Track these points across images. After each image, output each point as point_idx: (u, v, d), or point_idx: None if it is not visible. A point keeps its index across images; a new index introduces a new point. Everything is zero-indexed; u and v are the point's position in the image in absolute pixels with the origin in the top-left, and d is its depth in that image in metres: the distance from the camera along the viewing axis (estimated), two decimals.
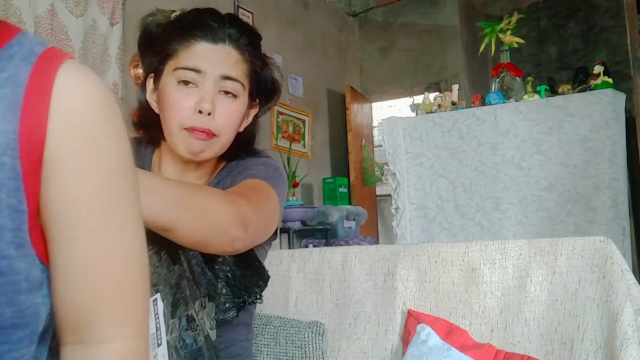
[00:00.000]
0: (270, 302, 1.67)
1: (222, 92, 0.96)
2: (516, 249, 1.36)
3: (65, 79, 0.46)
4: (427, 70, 5.72)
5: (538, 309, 1.30)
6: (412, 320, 1.40)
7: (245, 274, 0.92)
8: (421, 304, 1.44)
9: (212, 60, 0.95)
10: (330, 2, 5.83)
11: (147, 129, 1.05)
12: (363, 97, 5.91)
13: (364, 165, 5.57)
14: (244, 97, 1.00)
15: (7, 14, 2.30)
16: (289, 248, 4.18)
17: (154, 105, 1.01)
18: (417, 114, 2.87)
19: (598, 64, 2.57)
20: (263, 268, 0.96)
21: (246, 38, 1.00)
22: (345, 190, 5.10)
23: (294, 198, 4.44)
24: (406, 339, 1.38)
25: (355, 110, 5.61)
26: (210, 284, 0.90)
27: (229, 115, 0.97)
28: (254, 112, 1.07)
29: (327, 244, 4.39)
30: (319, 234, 4.61)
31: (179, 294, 0.86)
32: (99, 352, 0.49)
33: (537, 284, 1.31)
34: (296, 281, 1.65)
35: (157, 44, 1.00)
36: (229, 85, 0.96)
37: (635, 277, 1.23)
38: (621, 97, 2.38)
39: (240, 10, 4.45)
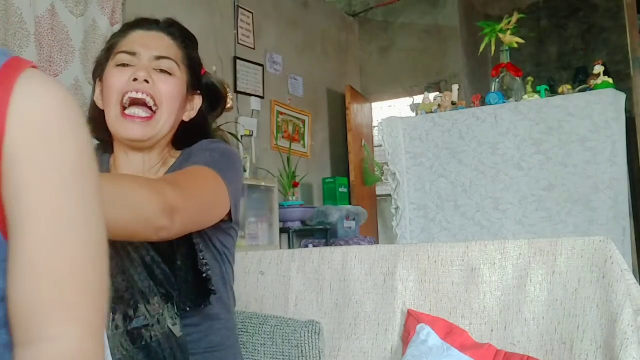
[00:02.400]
0: (270, 302, 1.67)
1: (158, 70, 1.01)
2: (516, 249, 1.36)
3: (24, 84, 0.49)
4: (427, 70, 5.72)
5: (538, 309, 1.30)
6: (412, 320, 1.40)
7: (195, 282, 0.93)
8: (421, 304, 1.44)
9: (145, 43, 1.02)
10: (330, 2, 5.83)
11: (97, 132, 1.08)
12: (363, 97, 5.91)
13: (364, 165, 5.57)
14: (181, 77, 1.04)
15: (8, 14, 2.30)
16: (289, 248, 4.18)
17: (100, 104, 1.05)
18: (417, 114, 2.87)
19: (598, 64, 2.57)
20: (209, 280, 0.95)
21: (178, 29, 1.09)
22: (345, 190, 5.10)
23: (294, 198, 4.44)
24: (406, 339, 1.38)
25: (355, 110, 5.61)
26: (168, 282, 0.90)
27: (168, 89, 1.01)
28: (197, 104, 1.10)
29: (327, 244, 4.39)
30: (319, 234, 4.61)
31: (123, 291, 0.86)
32: (38, 352, 0.47)
33: (537, 284, 1.31)
34: (296, 281, 1.65)
35: (101, 54, 1.09)
36: (164, 64, 1.02)
37: (635, 277, 1.23)
38: (621, 97, 2.38)
39: (240, 10, 4.45)
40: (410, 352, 1.31)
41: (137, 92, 0.98)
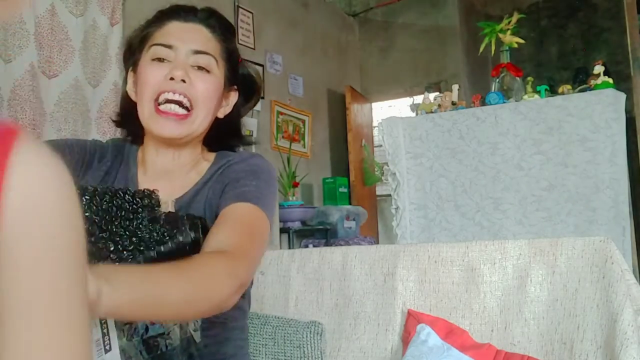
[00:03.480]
0: (270, 302, 1.67)
1: (195, 67, 0.97)
2: (516, 249, 1.36)
3: (19, 161, 0.42)
4: (427, 70, 5.72)
5: (538, 309, 1.30)
6: (412, 320, 1.40)
7: None
8: (421, 304, 1.44)
9: (183, 36, 0.97)
10: (331, 2, 5.83)
11: (127, 124, 1.05)
12: (363, 97, 5.91)
13: (364, 165, 5.57)
14: (219, 74, 1.00)
15: None
16: (289, 248, 4.18)
17: (132, 95, 1.01)
18: (417, 114, 2.87)
19: (598, 64, 2.57)
20: None
21: (217, 20, 1.02)
22: (345, 190, 5.10)
23: (294, 198, 4.44)
24: (406, 339, 1.38)
25: (355, 110, 5.61)
26: None
27: (204, 88, 0.97)
28: (233, 99, 1.06)
29: (327, 244, 4.38)
30: (319, 234, 4.61)
31: None
32: None
33: (537, 284, 1.31)
34: (296, 281, 1.65)
35: (134, 41, 1.03)
36: (202, 60, 0.97)
37: (635, 277, 1.23)
38: (621, 97, 2.38)
39: (240, 10, 4.45)
40: (410, 352, 1.31)
41: (173, 93, 0.94)
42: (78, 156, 1.00)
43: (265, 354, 1.51)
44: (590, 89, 2.48)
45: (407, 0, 5.78)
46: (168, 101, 0.94)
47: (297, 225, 4.31)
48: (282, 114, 4.92)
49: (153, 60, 0.96)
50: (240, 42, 4.42)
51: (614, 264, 1.22)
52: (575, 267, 1.27)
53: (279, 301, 1.66)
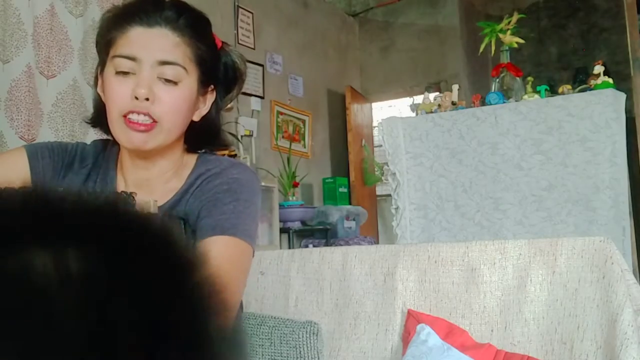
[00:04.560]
0: (270, 302, 1.67)
1: (162, 80, 0.90)
2: (516, 249, 1.36)
3: None
4: (427, 70, 5.72)
5: (538, 309, 1.30)
6: (412, 320, 1.40)
7: None
8: (421, 304, 1.44)
9: (147, 45, 0.89)
10: (331, 2, 5.83)
11: (102, 125, 1.00)
12: (363, 97, 5.91)
13: (364, 165, 5.57)
14: (189, 83, 0.93)
15: (7, 14, 2.30)
16: (289, 248, 4.18)
17: (103, 98, 0.96)
18: (417, 114, 2.87)
19: (598, 64, 2.57)
20: None
21: (186, 19, 0.93)
22: (345, 190, 5.10)
23: (294, 198, 4.44)
24: (406, 339, 1.38)
25: (355, 110, 5.61)
26: None
27: (171, 103, 0.90)
28: (210, 99, 1.00)
29: (327, 244, 4.38)
30: (319, 234, 4.61)
31: None
32: None
33: (537, 284, 1.31)
34: (296, 281, 1.65)
35: (101, 35, 0.96)
36: (168, 72, 0.90)
37: (635, 277, 1.23)
38: (621, 97, 2.38)
39: (240, 10, 4.45)
40: (410, 352, 1.31)
41: (137, 114, 0.89)
42: (58, 158, 0.99)
43: (262, 354, 1.51)
44: (590, 89, 2.48)
45: (407, 0, 5.79)
46: (132, 113, 0.90)
47: (297, 225, 4.31)
48: (282, 114, 4.92)
49: (117, 73, 0.90)
50: (240, 42, 4.42)
51: (614, 264, 1.22)
52: (575, 267, 1.27)
53: (278, 301, 1.66)
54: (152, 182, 0.98)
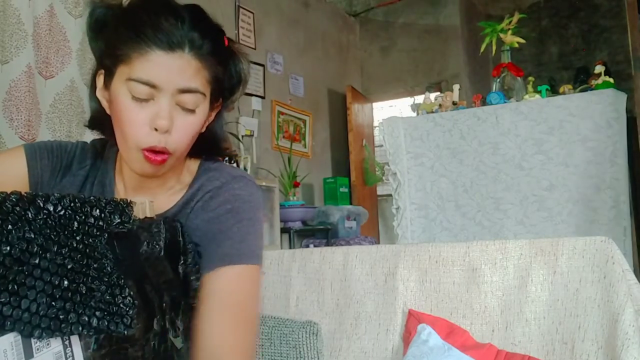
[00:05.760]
0: (271, 302, 1.66)
1: (180, 108, 0.86)
2: (517, 249, 1.36)
3: None
4: (428, 70, 5.73)
5: (539, 309, 1.30)
6: (412, 320, 1.40)
7: None
8: (422, 304, 1.44)
9: (168, 73, 0.83)
10: (331, 2, 5.83)
11: (102, 130, 0.97)
12: (364, 97, 5.91)
13: (365, 165, 5.58)
14: (204, 106, 0.90)
15: (6, 14, 2.30)
16: (290, 248, 4.18)
17: (104, 105, 0.92)
18: (418, 114, 2.87)
19: (599, 63, 2.57)
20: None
21: (209, 43, 0.87)
22: (346, 190, 5.10)
23: (295, 198, 4.44)
24: (407, 339, 1.38)
25: (356, 110, 5.61)
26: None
27: (187, 130, 0.88)
28: (216, 111, 0.99)
29: (327, 244, 4.38)
30: (319, 234, 4.61)
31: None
32: None
33: (538, 284, 1.31)
34: (297, 281, 1.65)
35: (106, 38, 0.89)
36: (188, 100, 0.86)
37: (636, 277, 1.22)
38: (622, 97, 2.37)
39: (241, 10, 4.45)
40: (411, 352, 1.31)
41: (155, 152, 0.86)
42: (57, 159, 0.97)
43: (262, 355, 1.51)
44: (591, 88, 2.48)
45: (407, 0, 5.79)
46: (152, 149, 0.87)
47: (297, 225, 4.31)
48: (282, 113, 4.92)
49: (134, 99, 0.84)
50: (241, 42, 4.42)
51: (615, 264, 1.22)
52: (576, 267, 1.27)
53: (279, 301, 1.66)
54: (154, 190, 0.97)
